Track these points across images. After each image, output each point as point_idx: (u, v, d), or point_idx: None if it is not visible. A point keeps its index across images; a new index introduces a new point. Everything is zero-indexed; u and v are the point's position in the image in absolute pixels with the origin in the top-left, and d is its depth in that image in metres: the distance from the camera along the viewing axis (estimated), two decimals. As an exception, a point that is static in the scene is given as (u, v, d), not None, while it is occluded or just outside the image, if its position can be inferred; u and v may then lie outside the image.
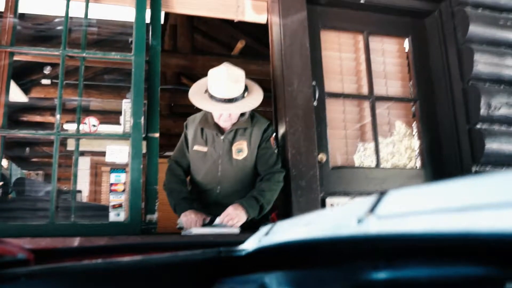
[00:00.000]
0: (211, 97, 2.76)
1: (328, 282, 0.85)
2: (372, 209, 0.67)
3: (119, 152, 2.64)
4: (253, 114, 2.94)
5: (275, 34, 3.20)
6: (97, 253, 1.87)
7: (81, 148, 2.57)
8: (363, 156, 3.35)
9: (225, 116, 2.78)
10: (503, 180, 0.49)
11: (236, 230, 2.57)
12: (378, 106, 3.42)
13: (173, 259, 1.15)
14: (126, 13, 3.10)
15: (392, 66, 3.57)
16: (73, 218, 2.41)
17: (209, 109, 2.81)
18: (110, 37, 6.36)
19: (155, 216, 2.52)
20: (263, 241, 1.00)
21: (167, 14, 6.33)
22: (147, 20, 2.78)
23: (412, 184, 3.17)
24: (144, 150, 2.58)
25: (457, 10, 3.34)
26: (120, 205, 2.59)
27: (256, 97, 2.85)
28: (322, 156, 3.08)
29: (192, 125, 2.97)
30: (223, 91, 2.71)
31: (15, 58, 2.73)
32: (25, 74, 7.09)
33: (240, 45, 6.48)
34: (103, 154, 2.66)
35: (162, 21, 2.91)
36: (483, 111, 3.12)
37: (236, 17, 3.32)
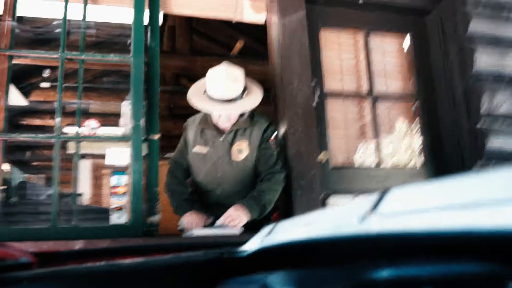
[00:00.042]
0: (210, 97, 2.76)
1: (331, 282, 0.85)
2: (374, 208, 0.67)
3: (119, 155, 2.65)
4: (253, 114, 2.94)
5: (274, 33, 3.20)
6: (100, 256, 1.87)
7: (81, 151, 2.57)
8: (364, 156, 3.35)
9: (224, 117, 2.78)
10: (505, 177, 0.49)
11: (237, 231, 2.57)
12: (379, 105, 3.42)
13: (175, 260, 1.15)
14: (124, 15, 3.10)
15: (392, 65, 3.57)
16: (74, 221, 2.41)
17: (208, 110, 2.81)
18: (109, 39, 6.36)
19: (156, 218, 2.52)
20: (265, 241, 1.01)
21: (165, 15, 6.34)
22: (146, 21, 2.79)
23: (414, 182, 3.17)
24: (144, 152, 2.58)
25: (458, 8, 3.34)
26: (121, 208, 2.59)
27: (255, 97, 2.84)
28: (323, 156, 3.08)
29: (191, 126, 2.97)
30: (222, 91, 2.70)
31: (14, 61, 2.73)
32: (24, 78, 7.10)
33: (239, 45, 6.49)
34: (103, 157, 2.67)
35: (160, 23, 2.91)
36: (484, 109, 3.12)
37: (234, 17, 3.32)
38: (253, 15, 3.33)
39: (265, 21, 3.34)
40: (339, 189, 3.11)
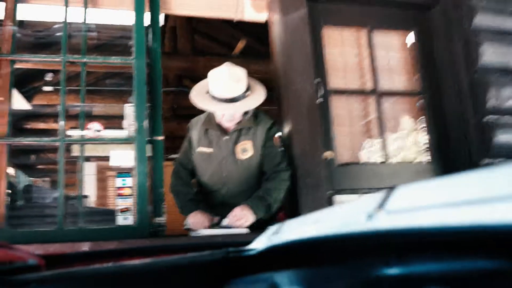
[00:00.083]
0: (213, 97, 2.76)
1: (339, 280, 0.85)
2: (382, 205, 0.67)
3: (123, 157, 2.66)
4: (257, 113, 2.94)
5: (276, 32, 3.20)
6: (106, 257, 1.88)
7: (86, 154, 2.58)
8: (370, 152, 3.34)
9: (228, 116, 2.78)
10: (512, 171, 0.49)
11: (244, 230, 2.57)
12: (384, 101, 3.40)
13: (182, 261, 1.15)
14: (125, 17, 3.10)
15: (396, 61, 3.56)
16: (81, 223, 2.41)
17: (211, 109, 2.82)
18: (110, 41, 6.36)
19: (162, 219, 2.53)
20: (272, 240, 1.01)
21: (166, 16, 6.34)
22: (147, 23, 2.79)
23: (421, 179, 3.16)
24: (148, 154, 2.59)
25: (462, 1, 3.31)
26: (127, 209, 2.60)
27: (258, 96, 2.84)
28: (328, 154, 3.07)
29: (195, 127, 2.98)
30: (225, 90, 2.71)
31: (16, 66, 2.74)
32: (27, 82, 7.11)
33: (240, 44, 6.48)
34: (108, 159, 2.68)
35: (161, 24, 2.91)
36: (491, 102, 3.11)
37: (235, 16, 3.32)
38: (254, 14, 3.33)
39: (267, 20, 3.34)
40: (345, 187, 3.10)
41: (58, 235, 2.31)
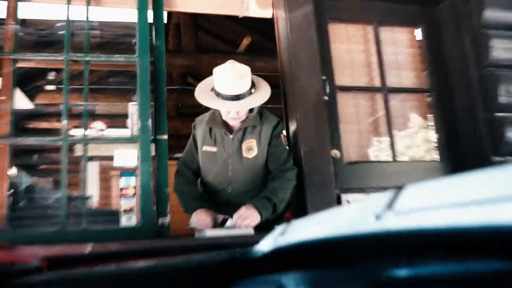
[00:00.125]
0: (218, 94, 2.76)
1: (347, 281, 0.85)
2: (390, 205, 0.67)
3: (127, 156, 2.66)
4: (262, 111, 2.94)
5: (282, 29, 3.20)
6: (110, 259, 1.88)
7: (89, 153, 2.59)
8: (378, 150, 3.33)
9: (233, 114, 2.78)
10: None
11: (250, 231, 2.56)
12: (392, 98, 3.40)
13: (187, 262, 1.15)
14: (129, 14, 3.11)
15: (404, 57, 3.55)
16: (84, 224, 2.42)
17: (216, 107, 2.82)
18: (113, 39, 6.38)
19: (167, 219, 2.53)
20: (279, 241, 1.00)
21: (170, 14, 6.35)
22: (150, 20, 2.79)
23: (430, 178, 3.15)
24: (153, 153, 2.59)
25: (471, -5, 3.30)
26: (131, 210, 2.60)
27: (263, 93, 2.84)
28: (335, 152, 3.07)
29: (200, 126, 2.98)
30: (229, 88, 2.71)
31: (19, 64, 2.75)
32: (29, 81, 7.13)
33: (246, 41, 6.47)
34: (111, 158, 2.67)
35: (165, 21, 2.92)
36: (502, 98, 3.09)
37: (240, 13, 3.32)
38: (259, 11, 3.33)
39: (272, 16, 3.33)
40: (353, 186, 3.09)
41: (61, 236, 2.32)
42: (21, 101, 6.96)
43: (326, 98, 3.10)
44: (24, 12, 2.85)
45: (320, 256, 0.89)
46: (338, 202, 2.96)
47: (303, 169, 2.86)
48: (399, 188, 0.68)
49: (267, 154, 2.87)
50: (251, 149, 2.85)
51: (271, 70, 4.46)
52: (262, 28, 6.39)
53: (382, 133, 3.35)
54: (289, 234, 0.98)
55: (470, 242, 0.58)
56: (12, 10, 2.73)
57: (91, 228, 2.40)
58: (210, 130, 2.92)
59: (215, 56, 6.37)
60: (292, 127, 3.04)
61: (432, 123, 3.43)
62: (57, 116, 8.22)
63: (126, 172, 2.70)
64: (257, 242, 1.13)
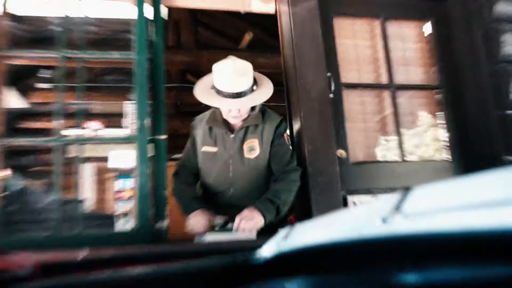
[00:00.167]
0: (218, 92, 2.76)
1: (353, 287, 0.85)
2: (397, 207, 0.66)
3: (123, 157, 2.66)
4: (264, 110, 2.94)
5: (285, 24, 3.20)
6: (105, 265, 1.88)
7: (84, 155, 2.59)
8: (386, 150, 3.33)
9: (235, 112, 2.78)
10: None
11: (252, 235, 2.56)
12: (400, 95, 3.39)
13: (186, 268, 1.15)
14: (126, 10, 3.11)
15: (412, 52, 3.55)
16: (78, 228, 2.42)
17: (216, 105, 2.82)
18: (110, 36, 6.38)
19: (165, 223, 2.53)
20: (281, 246, 1.00)
21: (169, 9, 6.34)
22: (148, 15, 2.79)
23: (440, 178, 3.14)
24: (150, 154, 2.59)
25: (482, -12, 3.30)
26: (127, 213, 2.61)
27: (266, 91, 2.84)
28: (341, 152, 3.07)
29: (199, 125, 2.97)
30: (230, 85, 2.70)
31: (11, 62, 2.75)
32: (22, 79, 7.14)
33: (248, 37, 6.47)
34: (107, 160, 2.68)
35: (164, 16, 2.92)
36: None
37: (242, 8, 3.32)
38: (261, 5, 3.33)
39: (275, 11, 3.33)
40: (359, 187, 3.09)
41: (54, 241, 2.32)
42: (13, 100, 6.97)
43: (331, 95, 3.10)
44: (17, 8, 2.85)
45: (324, 261, 0.89)
46: (344, 204, 2.96)
47: (307, 170, 2.85)
48: (407, 189, 0.68)
49: (269, 154, 2.86)
50: (253, 149, 2.85)
51: (274, 67, 4.47)
52: (265, 23, 6.39)
53: (390, 132, 3.35)
54: (293, 238, 0.98)
55: (482, 246, 0.57)
56: (4, 6, 2.74)
57: (86, 232, 2.40)
58: (210, 129, 2.91)
59: (216, 52, 6.36)
60: (296, 126, 3.03)
61: (442, 121, 3.42)
62: (50, 115, 8.23)
63: (123, 174, 2.70)
64: (259, 246, 1.13)
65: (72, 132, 2.75)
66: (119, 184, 2.65)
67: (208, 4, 3.34)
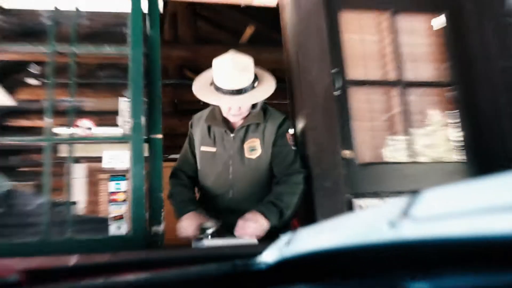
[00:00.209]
0: (218, 89, 2.75)
1: (359, 295, 0.85)
2: (406, 211, 0.66)
3: (117, 157, 2.66)
4: (266, 108, 2.93)
5: (288, 17, 3.20)
6: (98, 272, 1.88)
7: (75, 155, 2.59)
8: (394, 150, 3.32)
9: (235, 110, 2.77)
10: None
11: (253, 240, 2.55)
12: (409, 93, 3.39)
13: (183, 275, 1.15)
14: (120, 2, 3.11)
15: (423, 48, 3.54)
16: (69, 233, 2.42)
17: (215, 103, 2.81)
18: (104, 29, 6.39)
19: (161, 227, 2.53)
20: (284, 251, 1.00)
21: (166, 1, 6.35)
22: (144, 8, 2.79)
23: (452, 180, 3.14)
24: (146, 154, 2.59)
25: (494, -20, 3.29)
26: (121, 217, 2.60)
27: (267, 87, 2.83)
28: (347, 152, 3.06)
29: (198, 124, 2.97)
30: (230, 81, 2.70)
31: (-1, 57, 2.75)
32: (10, 74, 7.14)
33: (249, 31, 6.48)
34: (100, 160, 2.67)
35: (160, 9, 2.92)
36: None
37: (243, 0, 3.32)
38: (263, -3, 3.33)
39: (277, 3, 3.33)
40: (366, 190, 3.08)
41: (43, 246, 2.32)
42: (0, 97, 6.98)
43: (336, 93, 3.10)
44: (5, 0, 2.85)
45: (329, 268, 0.89)
46: (350, 207, 2.96)
47: (311, 172, 2.85)
48: (415, 192, 0.68)
49: (271, 155, 2.86)
50: (254, 149, 2.84)
51: (277, 62, 4.47)
52: (267, 17, 6.39)
53: (399, 131, 3.35)
54: (296, 244, 0.98)
55: (495, 253, 0.57)
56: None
57: (77, 237, 2.40)
58: (209, 128, 2.91)
59: (215, 47, 6.36)
60: (300, 125, 3.03)
61: (453, 120, 3.42)
62: (40, 113, 8.24)
63: (116, 175, 2.69)
64: (260, 252, 1.13)
65: (63, 131, 2.75)
66: (112, 185, 2.65)
67: (207, -4, 3.35)
